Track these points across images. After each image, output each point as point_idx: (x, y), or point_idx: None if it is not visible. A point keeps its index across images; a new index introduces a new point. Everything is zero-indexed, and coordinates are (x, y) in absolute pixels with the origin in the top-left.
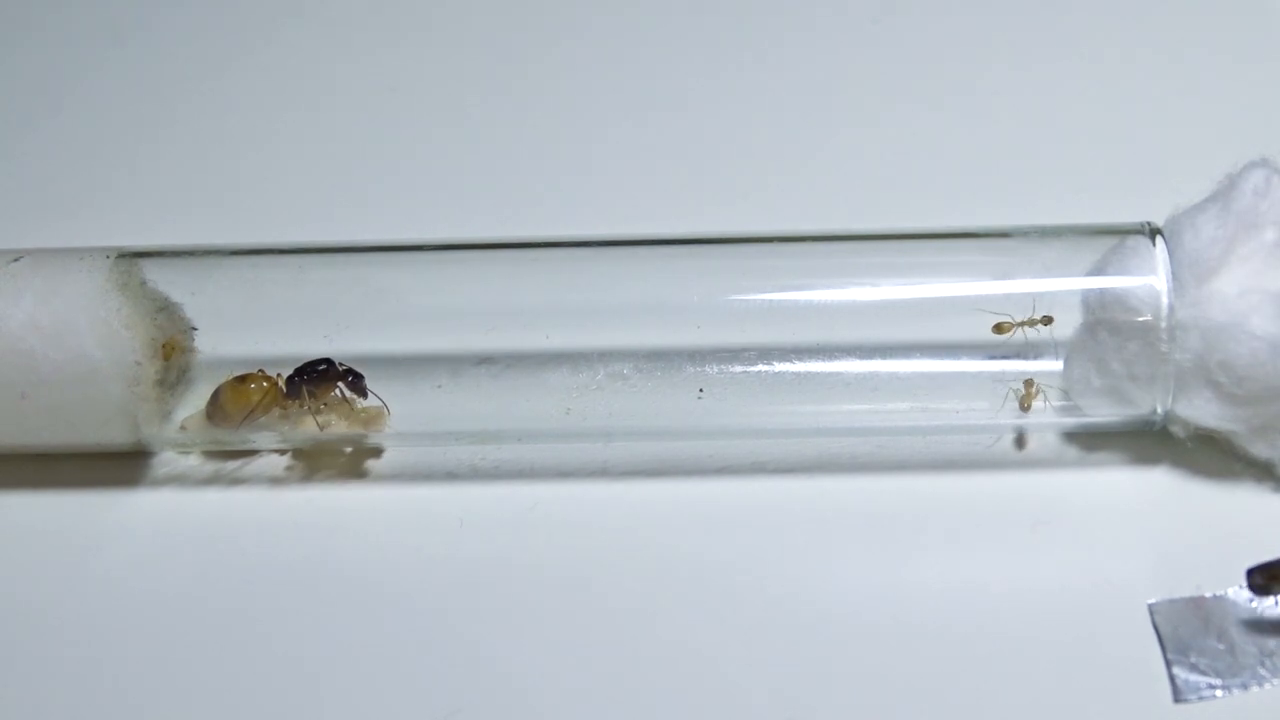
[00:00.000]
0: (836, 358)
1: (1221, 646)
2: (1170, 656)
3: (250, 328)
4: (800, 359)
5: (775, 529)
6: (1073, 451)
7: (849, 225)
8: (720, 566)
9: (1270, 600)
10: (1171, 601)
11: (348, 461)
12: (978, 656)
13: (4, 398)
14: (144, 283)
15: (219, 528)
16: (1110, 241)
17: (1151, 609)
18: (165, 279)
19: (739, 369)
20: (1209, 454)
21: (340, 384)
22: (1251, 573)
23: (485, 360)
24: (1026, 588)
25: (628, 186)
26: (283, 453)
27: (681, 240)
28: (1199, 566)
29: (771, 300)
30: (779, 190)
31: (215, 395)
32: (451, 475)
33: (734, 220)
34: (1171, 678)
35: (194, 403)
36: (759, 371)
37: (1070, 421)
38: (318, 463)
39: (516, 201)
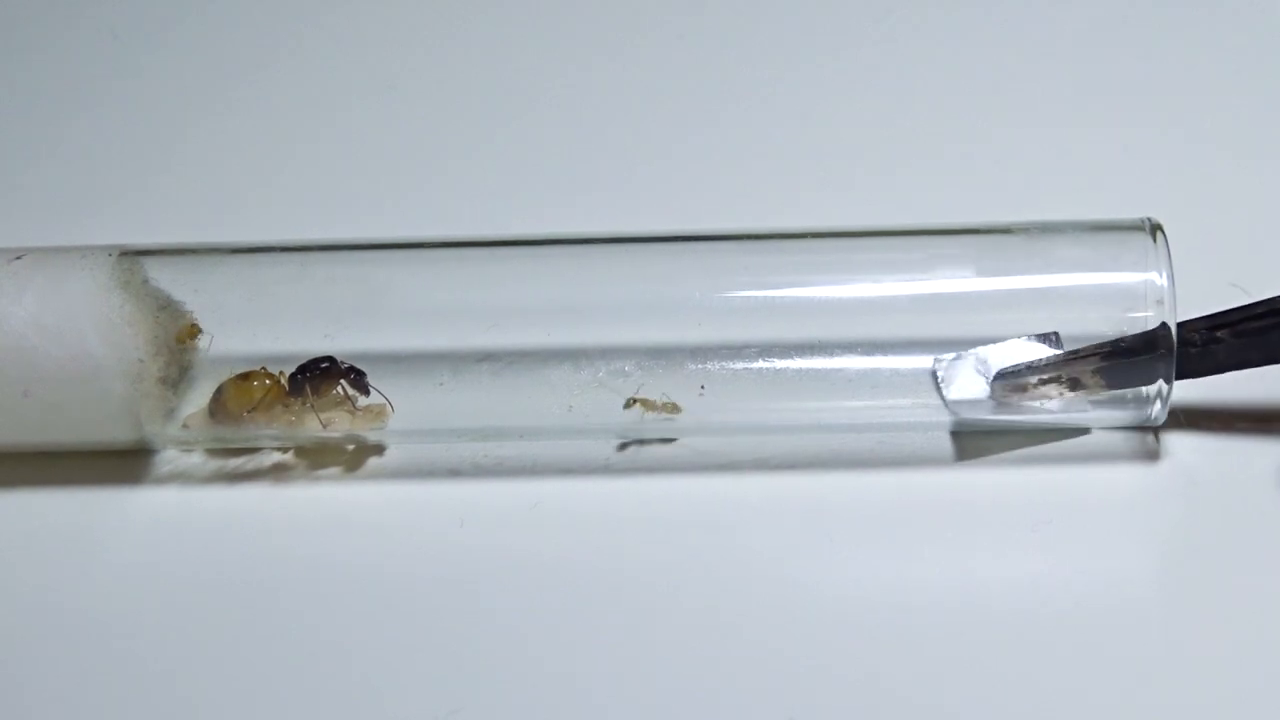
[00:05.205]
0: (838, 354)
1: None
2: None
3: (252, 325)
4: (801, 355)
5: (777, 525)
6: (1074, 448)
7: (851, 221)
8: (722, 563)
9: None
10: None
11: (350, 459)
12: (979, 654)
13: (6, 396)
14: (146, 281)
15: (222, 525)
16: (1111, 237)
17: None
18: (167, 277)
19: (740, 366)
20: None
21: (342, 381)
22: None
23: (487, 357)
24: (1028, 584)
25: (629, 183)
26: (285, 450)
27: (682, 237)
28: (1201, 564)
29: (773, 297)
30: (780, 186)
31: (218, 393)
32: (454, 472)
33: (735, 217)
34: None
35: (196, 400)
36: (760, 368)
37: (1069, 417)
38: (320, 460)
39: (518, 199)
